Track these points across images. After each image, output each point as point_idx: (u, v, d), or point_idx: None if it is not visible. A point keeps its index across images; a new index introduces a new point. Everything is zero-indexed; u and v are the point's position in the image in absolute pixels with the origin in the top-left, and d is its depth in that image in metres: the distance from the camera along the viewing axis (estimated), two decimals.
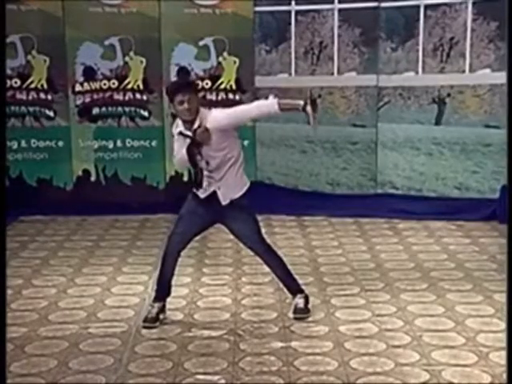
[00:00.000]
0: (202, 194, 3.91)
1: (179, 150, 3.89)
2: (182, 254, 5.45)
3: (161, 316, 3.96)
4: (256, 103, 3.90)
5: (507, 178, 2.97)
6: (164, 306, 4.02)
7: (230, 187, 3.87)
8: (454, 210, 6.33)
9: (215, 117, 3.78)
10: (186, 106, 3.71)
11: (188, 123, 3.78)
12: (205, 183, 3.87)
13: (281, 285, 4.21)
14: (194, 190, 3.96)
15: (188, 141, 3.81)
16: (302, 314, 3.97)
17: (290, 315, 4.01)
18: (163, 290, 4.04)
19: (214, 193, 3.88)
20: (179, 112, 3.76)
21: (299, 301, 4.03)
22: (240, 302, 4.30)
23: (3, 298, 3.58)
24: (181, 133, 3.83)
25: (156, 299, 4.02)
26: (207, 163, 3.82)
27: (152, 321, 3.90)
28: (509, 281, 2.85)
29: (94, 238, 6.03)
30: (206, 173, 3.85)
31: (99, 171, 6.94)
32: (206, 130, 3.72)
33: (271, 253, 4.05)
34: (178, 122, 3.89)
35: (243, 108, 3.91)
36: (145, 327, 3.87)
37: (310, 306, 4.04)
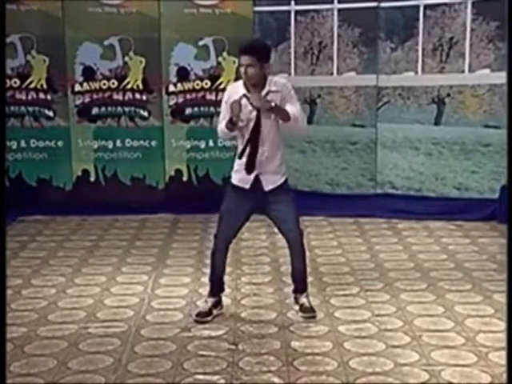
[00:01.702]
0: (246, 184, 3.84)
1: (226, 115, 3.79)
2: (183, 254, 5.50)
3: (214, 311, 3.99)
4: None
5: (507, 177, 2.97)
6: (219, 301, 4.05)
7: (273, 173, 3.85)
8: (453, 209, 6.33)
9: (281, 83, 3.76)
10: (242, 70, 3.67)
11: (253, 87, 3.70)
12: (250, 160, 3.79)
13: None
14: (235, 182, 3.89)
15: (249, 109, 3.70)
16: (312, 312, 3.96)
17: (289, 314, 4.01)
18: (216, 286, 4.06)
19: (257, 180, 3.83)
20: (242, 75, 3.71)
21: (304, 300, 4.03)
22: (239, 302, 4.30)
23: (3, 298, 3.58)
24: (245, 95, 3.72)
25: (210, 294, 4.04)
26: (262, 142, 3.75)
27: (205, 315, 3.93)
28: (509, 281, 2.85)
29: (93, 237, 6.03)
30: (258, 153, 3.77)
31: (99, 171, 6.93)
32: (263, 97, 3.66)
33: (300, 245, 4.00)
34: (239, 83, 3.81)
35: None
36: (196, 321, 3.89)
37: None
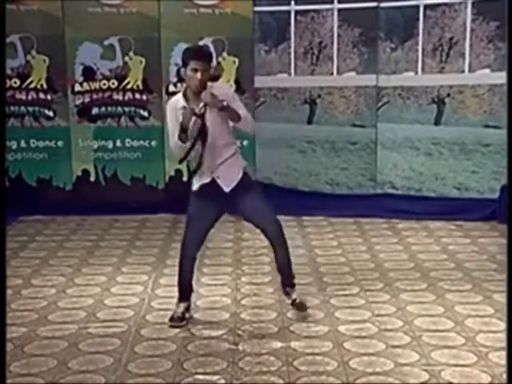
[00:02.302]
0: (205, 180, 3.83)
1: (175, 129, 3.75)
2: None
3: (187, 315, 3.99)
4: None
5: (507, 177, 2.97)
6: (189, 305, 4.05)
7: (229, 172, 3.84)
8: (453, 209, 6.33)
9: (223, 88, 3.80)
10: (198, 75, 3.64)
11: (193, 97, 3.70)
12: (204, 167, 3.80)
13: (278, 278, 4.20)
14: (195, 188, 3.91)
15: (193, 118, 3.67)
16: (305, 308, 3.98)
17: (289, 314, 4.01)
18: (185, 290, 4.05)
19: (214, 183, 3.84)
20: (189, 79, 3.68)
21: (295, 295, 4.03)
22: (239, 302, 4.30)
23: (3, 298, 3.58)
24: (184, 107, 3.72)
25: (181, 299, 4.03)
26: (208, 142, 3.73)
27: (179, 320, 3.92)
28: (509, 281, 2.85)
29: (93, 237, 6.03)
30: (206, 155, 3.76)
31: (99, 171, 6.93)
32: (214, 96, 3.65)
33: (281, 236, 3.98)
34: (177, 97, 3.80)
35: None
36: (172, 326, 3.88)
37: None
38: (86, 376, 3.30)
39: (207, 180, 3.86)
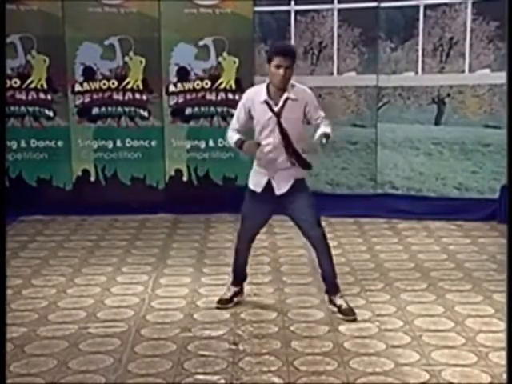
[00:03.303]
0: (258, 188, 3.93)
1: (237, 121, 3.92)
2: (183, 254, 5.50)
3: (235, 299, 4.17)
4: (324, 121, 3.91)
5: (507, 178, 2.97)
6: (240, 290, 4.23)
7: (286, 178, 3.89)
8: (453, 210, 6.33)
9: (308, 93, 3.84)
10: (281, 71, 3.70)
11: (275, 93, 3.76)
12: (264, 164, 3.88)
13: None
14: (251, 186, 3.97)
15: (270, 114, 3.78)
16: (352, 315, 3.91)
17: (289, 314, 4.01)
18: (239, 276, 4.25)
19: (269, 184, 3.91)
20: (272, 75, 3.74)
21: (341, 301, 3.99)
22: (240, 302, 4.30)
23: (3, 298, 3.58)
24: (266, 102, 3.79)
25: (233, 283, 4.23)
26: (280, 142, 3.83)
27: (226, 302, 4.13)
28: (509, 281, 2.85)
29: (93, 238, 6.03)
30: (273, 154, 3.84)
31: (99, 171, 6.93)
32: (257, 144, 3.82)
33: (324, 243, 4.01)
34: (259, 89, 3.85)
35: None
36: (218, 308, 4.08)
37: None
38: (86, 376, 3.30)
39: (263, 182, 3.93)
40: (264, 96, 3.81)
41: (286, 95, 3.78)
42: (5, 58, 6.38)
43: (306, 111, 3.85)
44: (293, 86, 3.83)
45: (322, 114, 3.92)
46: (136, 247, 5.72)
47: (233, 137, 3.95)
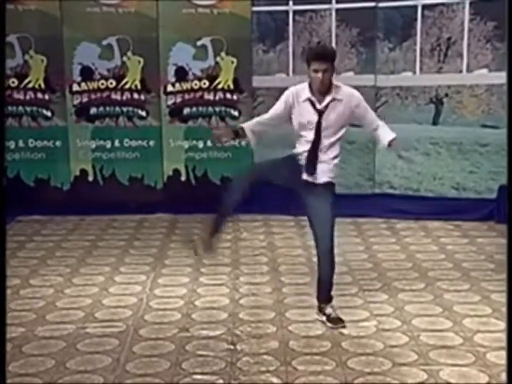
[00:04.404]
0: (301, 158, 3.86)
1: (274, 110, 3.86)
2: (181, 254, 5.50)
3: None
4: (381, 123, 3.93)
5: (507, 178, 2.97)
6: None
7: (321, 172, 3.85)
8: (451, 209, 6.34)
9: (356, 96, 3.82)
10: (319, 75, 3.68)
11: (318, 94, 3.75)
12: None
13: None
14: (294, 151, 3.89)
15: (312, 112, 3.76)
16: (341, 323, 3.86)
17: (287, 314, 4.01)
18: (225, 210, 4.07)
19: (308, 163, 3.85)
20: (312, 79, 3.73)
21: (330, 310, 3.93)
22: (238, 302, 4.31)
23: (3, 298, 3.58)
24: (309, 99, 3.77)
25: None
26: (318, 140, 3.80)
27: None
28: (509, 281, 2.85)
29: (91, 237, 6.03)
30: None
31: (97, 171, 6.92)
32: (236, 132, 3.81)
33: (330, 253, 3.91)
34: (303, 87, 3.81)
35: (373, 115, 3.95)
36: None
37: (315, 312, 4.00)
38: (84, 376, 3.30)
39: (306, 149, 3.84)
40: (307, 94, 3.78)
41: (331, 96, 3.76)
42: (5, 58, 6.38)
43: (355, 114, 3.83)
44: (338, 86, 3.80)
45: (376, 118, 3.91)
46: (134, 247, 5.72)
47: (265, 116, 3.91)
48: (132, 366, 3.40)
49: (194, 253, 4.13)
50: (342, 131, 3.87)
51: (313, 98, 3.77)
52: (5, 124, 6.56)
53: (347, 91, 3.82)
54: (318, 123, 3.78)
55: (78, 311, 4.17)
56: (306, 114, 3.79)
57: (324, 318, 3.92)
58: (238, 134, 3.87)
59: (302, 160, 3.87)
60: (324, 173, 3.86)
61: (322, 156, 3.84)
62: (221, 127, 3.78)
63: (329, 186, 3.89)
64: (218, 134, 3.97)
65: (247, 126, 3.90)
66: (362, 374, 3.26)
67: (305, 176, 3.87)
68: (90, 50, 6.65)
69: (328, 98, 3.76)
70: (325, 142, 3.81)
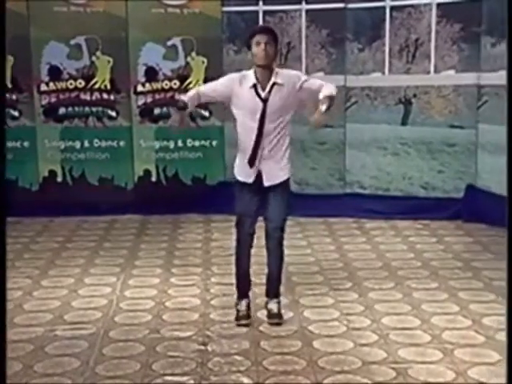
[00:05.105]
0: (249, 179, 3.84)
1: (211, 87, 3.84)
2: (152, 255, 5.47)
3: (250, 312, 3.95)
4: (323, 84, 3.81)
5: (507, 178, 2.99)
6: (249, 302, 4.00)
7: (276, 169, 3.83)
8: (420, 209, 6.41)
9: (292, 73, 3.78)
10: (262, 46, 3.66)
11: (262, 77, 3.71)
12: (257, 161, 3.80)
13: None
14: (240, 178, 3.87)
15: (256, 100, 3.72)
16: (278, 319, 3.90)
17: (258, 314, 4.01)
18: (244, 287, 4.01)
19: (259, 174, 3.83)
20: (255, 55, 3.70)
21: (273, 306, 3.96)
22: (209, 303, 4.30)
23: (3, 297, 3.49)
24: (255, 86, 3.72)
25: (240, 297, 3.99)
26: (266, 135, 3.76)
27: (245, 318, 3.90)
28: (509, 281, 2.89)
29: (60, 239, 5.96)
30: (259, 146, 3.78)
31: (66, 172, 6.85)
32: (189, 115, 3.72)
33: (279, 247, 3.93)
34: (248, 73, 3.78)
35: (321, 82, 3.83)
36: (240, 325, 3.85)
37: (282, 311, 3.99)
38: (52, 379, 3.27)
39: (252, 177, 3.84)
40: (253, 80, 3.75)
41: (272, 80, 3.73)
42: (5, 58, 6.24)
43: (302, 94, 3.77)
44: (278, 72, 3.78)
45: (318, 81, 3.83)
46: (104, 248, 5.67)
47: (187, 96, 3.86)
48: (101, 368, 3.37)
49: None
50: (288, 117, 3.84)
51: (258, 85, 3.74)
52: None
53: (287, 74, 3.83)
54: (263, 111, 3.74)
55: (47, 314, 4.12)
56: (250, 102, 3.74)
57: (265, 313, 3.96)
58: (185, 109, 3.84)
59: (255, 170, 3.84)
60: (276, 175, 3.85)
61: (267, 147, 3.79)
62: (174, 115, 3.76)
63: (284, 183, 3.90)
64: (178, 122, 3.87)
65: (191, 102, 3.84)
66: (333, 373, 3.28)
67: (266, 183, 3.84)
68: (58, 49, 6.58)
69: (270, 83, 3.73)
70: (269, 126, 3.77)
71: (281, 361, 3.42)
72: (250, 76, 3.78)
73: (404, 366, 3.33)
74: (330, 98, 3.69)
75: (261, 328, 3.85)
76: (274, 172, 3.85)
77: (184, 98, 3.87)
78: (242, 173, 3.89)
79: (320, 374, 3.27)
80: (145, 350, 3.58)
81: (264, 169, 3.84)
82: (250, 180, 3.86)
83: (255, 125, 3.77)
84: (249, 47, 3.77)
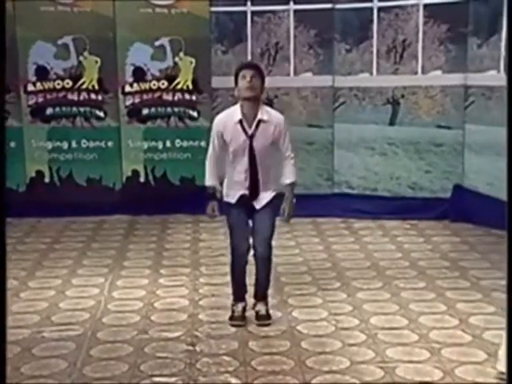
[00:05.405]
0: (232, 199, 3.92)
1: (215, 149, 3.89)
2: (140, 255, 5.46)
3: (245, 314, 3.98)
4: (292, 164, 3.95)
5: (507, 178, 3.01)
6: (246, 305, 4.02)
7: (265, 192, 3.90)
8: (408, 209, 6.43)
9: (284, 121, 3.86)
10: (247, 79, 3.70)
11: (249, 113, 3.74)
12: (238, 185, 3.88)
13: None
14: (232, 201, 3.93)
15: (243, 137, 3.77)
16: (266, 320, 3.93)
17: (247, 315, 4.01)
18: (241, 291, 4.04)
19: (247, 196, 3.90)
20: (240, 89, 3.74)
21: (261, 308, 3.98)
22: (197, 303, 4.30)
23: (3, 298, 3.46)
24: (241, 122, 3.76)
25: (237, 299, 4.03)
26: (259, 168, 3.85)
27: (240, 319, 3.93)
28: (509, 280, 2.91)
29: (48, 240, 5.93)
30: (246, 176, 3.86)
31: (53, 172, 6.82)
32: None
33: (265, 261, 3.96)
34: (232, 111, 3.83)
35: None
36: (233, 325, 3.88)
37: (270, 311, 4.01)
38: (39, 381, 3.25)
39: (241, 192, 3.90)
40: (238, 116, 3.79)
41: (259, 116, 3.78)
42: (5, 59, 6.16)
43: (276, 135, 3.83)
44: (266, 109, 3.85)
45: (290, 152, 3.92)
46: (92, 249, 5.65)
47: (209, 179, 3.98)
48: (89, 369, 3.36)
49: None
50: (275, 157, 3.89)
51: (244, 122, 3.79)
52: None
53: (276, 114, 3.89)
54: (250, 147, 3.80)
55: (34, 315, 4.10)
56: (237, 138, 3.80)
57: (253, 313, 3.99)
58: (215, 195, 3.95)
59: (238, 192, 3.90)
60: (268, 192, 3.91)
61: (263, 180, 3.87)
62: (208, 208, 3.91)
63: (272, 202, 3.93)
64: (211, 215, 4.00)
65: (215, 184, 3.97)
66: (321, 372, 3.29)
67: (257, 206, 3.91)
68: (45, 49, 6.54)
69: (256, 119, 3.77)
70: (262, 162, 3.83)
71: (269, 361, 3.42)
72: (236, 111, 3.83)
73: (392, 366, 3.34)
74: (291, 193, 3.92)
75: (249, 328, 3.86)
76: (262, 195, 3.91)
77: (206, 184, 3.97)
78: (229, 194, 3.96)
79: (308, 373, 3.27)
80: (133, 350, 3.57)
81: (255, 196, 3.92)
82: (233, 200, 3.93)
83: (245, 164, 3.84)
84: (235, 80, 3.80)
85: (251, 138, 3.79)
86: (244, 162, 3.83)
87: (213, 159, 3.95)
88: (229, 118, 3.83)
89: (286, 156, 3.91)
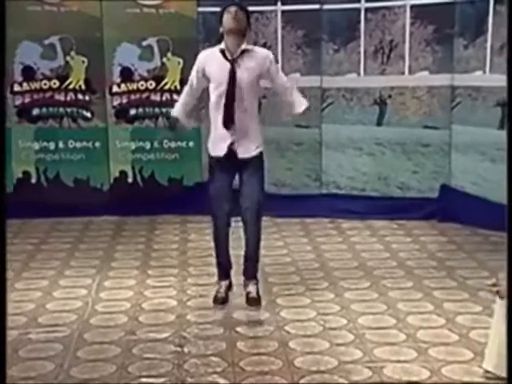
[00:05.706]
0: (221, 152, 3.84)
1: (192, 86, 3.89)
2: (128, 256, 5.44)
3: (229, 294, 3.95)
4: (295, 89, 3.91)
5: (507, 179, 3.02)
6: (231, 283, 3.98)
7: (248, 141, 3.84)
8: (395, 209, 6.46)
9: (270, 57, 3.80)
10: (232, 13, 3.69)
11: (232, 44, 3.71)
12: (220, 127, 3.81)
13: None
14: (212, 154, 3.88)
15: (226, 65, 3.73)
16: (257, 304, 3.94)
17: (235, 315, 4.01)
18: (224, 266, 3.99)
19: (232, 148, 3.83)
20: (224, 23, 3.72)
21: (252, 288, 3.99)
22: (185, 304, 4.29)
23: (3, 298, 3.44)
24: (223, 51, 3.74)
25: (220, 277, 3.98)
26: (239, 98, 3.77)
27: (222, 300, 3.93)
28: (509, 281, 2.93)
29: (35, 241, 5.90)
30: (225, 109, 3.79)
31: (40, 173, 6.78)
32: None
33: (253, 223, 3.92)
34: (216, 48, 3.85)
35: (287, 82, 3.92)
36: (215, 305, 3.93)
37: (261, 293, 4.03)
38: (27, 382, 3.23)
39: (225, 146, 3.84)
40: (221, 46, 3.79)
41: (243, 47, 3.75)
42: (4, 58, 6.13)
43: (265, 67, 3.79)
44: (251, 47, 3.83)
45: (284, 80, 3.89)
46: (79, 250, 5.63)
47: (175, 110, 3.99)
48: (76, 370, 3.34)
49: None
50: (255, 101, 3.86)
51: (226, 51, 3.77)
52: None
53: (261, 51, 3.89)
54: (232, 72, 3.74)
55: (21, 316, 4.07)
56: (220, 67, 3.77)
57: (244, 294, 3.99)
58: (176, 126, 3.89)
59: (227, 140, 3.85)
60: (248, 147, 3.86)
61: (238, 111, 3.79)
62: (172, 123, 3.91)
63: (257, 160, 3.91)
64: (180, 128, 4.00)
65: (181, 117, 3.95)
66: (309, 372, 3.29)
67: (240, 155, 3.85)
68: (31, 49, 6.50)
69: (239, 50, 3.75)
70: (240, 94, 3.76)
71: (257, 361, 3.42)
72: (214, 51, 3.86)
73: (379, 365, 3.35)
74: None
75: (237, 329, 3.85)
76: (246, 144, 3.85)
77: (174, 115, 3.96)
78: (216, 147, 3.90)
79: (296, 374, 3.28)
80: (120, 352, 3.56)
81: (237, 139, 3.85)
82: (222, 153, 3.86)
83: (225, 88, 3.75)
84: (221, 20, 3.81)
85: (233, 63, 3.73)
86: (224, 89, 3.73)
87: (186, 93, 3.97)
88: (212, 52, 3.85)
89: (286, 87, 3.85)
